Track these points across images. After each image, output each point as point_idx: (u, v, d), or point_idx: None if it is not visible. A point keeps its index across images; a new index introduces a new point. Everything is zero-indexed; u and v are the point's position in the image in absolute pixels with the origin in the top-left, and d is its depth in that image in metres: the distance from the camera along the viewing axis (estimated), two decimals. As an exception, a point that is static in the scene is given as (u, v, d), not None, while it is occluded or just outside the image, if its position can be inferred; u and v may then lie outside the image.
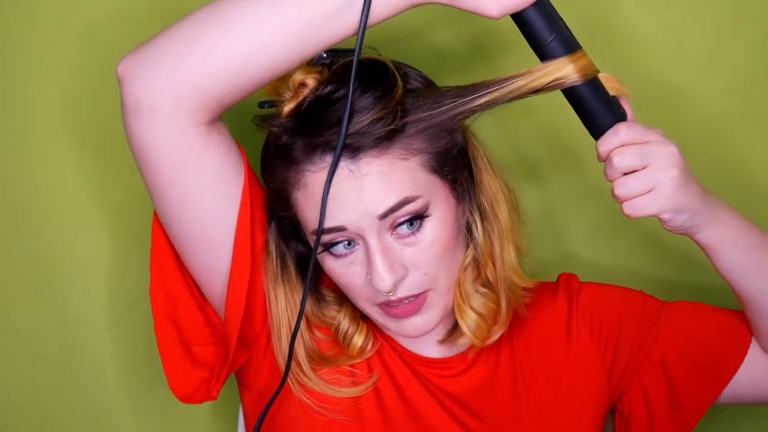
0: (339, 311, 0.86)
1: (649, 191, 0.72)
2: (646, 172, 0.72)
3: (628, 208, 0.72)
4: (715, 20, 0.97)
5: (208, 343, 0.84)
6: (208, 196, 0.75)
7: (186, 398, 0.82)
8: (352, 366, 0.84)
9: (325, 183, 0.73)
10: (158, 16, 0.95)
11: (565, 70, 0.71)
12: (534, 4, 0.69)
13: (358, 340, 0.85)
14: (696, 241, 0.79)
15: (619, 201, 0.73)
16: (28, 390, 1.06)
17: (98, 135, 0.99)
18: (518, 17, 0.71)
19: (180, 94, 0.69)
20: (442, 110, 0.74)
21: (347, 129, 0.71)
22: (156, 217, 0.80)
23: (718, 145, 1.01)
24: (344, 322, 0.85)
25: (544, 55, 0.72)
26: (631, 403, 0.88)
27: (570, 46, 0.71)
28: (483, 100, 0.72)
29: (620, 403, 0.89)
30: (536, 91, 0.72)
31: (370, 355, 0.85)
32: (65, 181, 1.01)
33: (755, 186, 1.02)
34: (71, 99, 0.99)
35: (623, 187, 0.72)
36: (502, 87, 0.72)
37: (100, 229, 1.03)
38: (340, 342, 0.85)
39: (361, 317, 0.86)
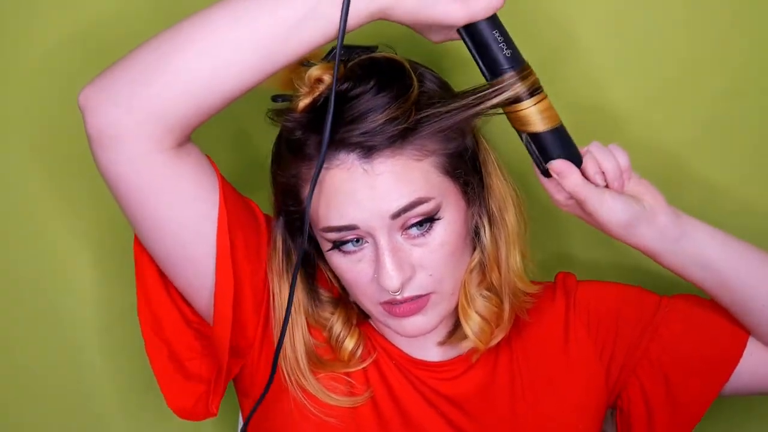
0: (333, 313, 0.86)
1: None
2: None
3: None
4: (714, 21, 0.98)
5: (199, 356, 0.83)
6: (184, 218, 0.75)
7: (186, 414, 0.82)
8: (347, 374, 0.84)
9: (312, 177, 0.73)
10: (159, 17, 0.93)
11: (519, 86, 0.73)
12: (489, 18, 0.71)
13: (349, 344, 0.84)
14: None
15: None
16: (25, 395, 1.06)
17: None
18: (472, 29, 0.72)
19: (143, 123, 0.68)
20: (454, 111, 0.74)
21: (332, 125, 0.71)
22: (137, 238, 0.80)
23: (715, 148, 1.01)
24: (337, 326, 0.85)
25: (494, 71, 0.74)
26: (630, 400, 0.88)
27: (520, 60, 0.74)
28: (494, 101, 0.73)
29: (620, 400, 0.90)
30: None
31: (363, 365, 0.84)
32: (61, 182, 1.01)
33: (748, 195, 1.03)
34: (69, 101, 0.97)
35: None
36: (510, 89, 0.73)
37: (96, 232, 1.03)
38: (333, 345, 0.85)
39: (356, 323, 0.86)
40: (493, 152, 0.83)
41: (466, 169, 0.79)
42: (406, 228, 0.76)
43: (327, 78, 0.75)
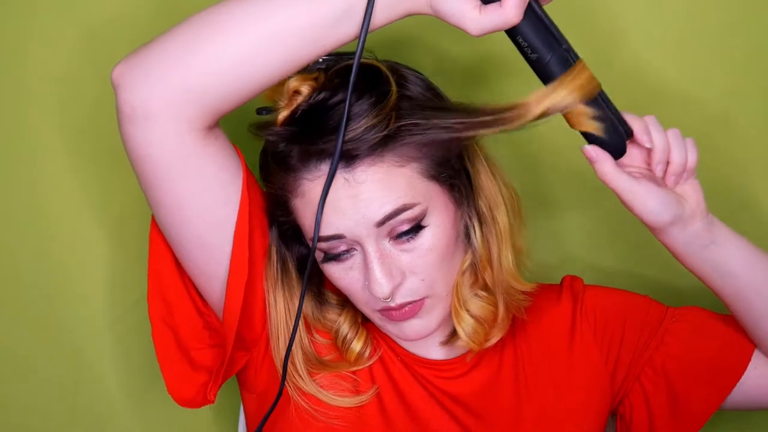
0: (340, 315, 0.86)
1: None
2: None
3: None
4: (715, 20, 0.96)
5: (206, 346, 0.84)
6: (206, 202, 0.75)
7: (185, 402, 0.83)
8: (353, 372, 0.84)
9: (321, 194, 0.73)
10: (161, 17, 0.94)
11: (565, 96, 0.71)
12: (523, 21, 0.68)
13: (357, 345, 0.84)
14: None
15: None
16: (28, 391, 1.07)
17: (99, 136, 0.99)
18: (509, 33, 0.70)
19: (176, 102, 0.68)
20: (439, 132, 0.73)
21: (343, 138, 0.71)
22: (154, 222, 0.80)
23: (717, 147, 0.99)
24: (344, 327, 0.85)
25: (542, 73, 0.71)
26: (632, 407, 0.88)
27: (566, 60, 0.71)
28: (481, 131, 0.71)
29: (621, 406, 0.89)
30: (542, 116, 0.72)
31: (369, 363, 0.84)
32: (65, 182, 1.02)
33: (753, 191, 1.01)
34: (73, 100, 0.99)
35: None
36: (502, 118, 0.71)
37: (100, 229, 1.04)
38: (339, 346, 0.85)
39: (362, 322, 0.86)
40: (482, 149, 0.82)
41: (451, 172, 0.78)
42: (393, 234, 0.76)
43: (305, 89, 0.75)
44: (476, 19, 0.67)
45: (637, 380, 0.87)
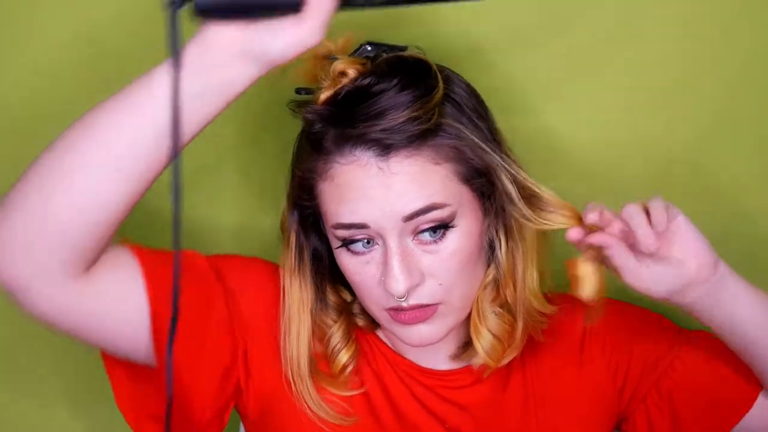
0: (336, 321, 0.83)
1: None
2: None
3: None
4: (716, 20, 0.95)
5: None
6: (119, 321, 0.71)
7: None
8: (346, 400, 0.81)
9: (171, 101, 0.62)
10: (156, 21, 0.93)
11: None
12: None
13: (344, 356, 0.82)
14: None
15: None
16: (24, 395, 1.06)
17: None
18: None
19: (42, 264, 0.64)
20: (481, 155, 0.74)
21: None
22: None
23: (713, 151, 0.98)
24: (336, 335, 0.83)
25: None
26: (636, 428, 0.86)
27: None
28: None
29: (625, 424, 0.87)
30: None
31: (353, 393, 0.81)
32: None
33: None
34: (67, 103, 0.93)
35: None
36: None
37: None
38: (328, 355, 0.82)
39: (356, 335, 0.84)
40: None
41: (484, 180, 0.76)
42: (417, 233, 0.74)
43: (351, 72, 0.74)
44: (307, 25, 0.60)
45: (642, 402, 0.84)
